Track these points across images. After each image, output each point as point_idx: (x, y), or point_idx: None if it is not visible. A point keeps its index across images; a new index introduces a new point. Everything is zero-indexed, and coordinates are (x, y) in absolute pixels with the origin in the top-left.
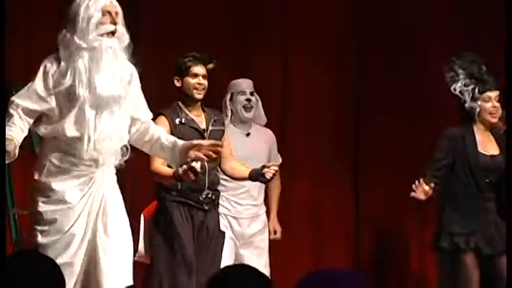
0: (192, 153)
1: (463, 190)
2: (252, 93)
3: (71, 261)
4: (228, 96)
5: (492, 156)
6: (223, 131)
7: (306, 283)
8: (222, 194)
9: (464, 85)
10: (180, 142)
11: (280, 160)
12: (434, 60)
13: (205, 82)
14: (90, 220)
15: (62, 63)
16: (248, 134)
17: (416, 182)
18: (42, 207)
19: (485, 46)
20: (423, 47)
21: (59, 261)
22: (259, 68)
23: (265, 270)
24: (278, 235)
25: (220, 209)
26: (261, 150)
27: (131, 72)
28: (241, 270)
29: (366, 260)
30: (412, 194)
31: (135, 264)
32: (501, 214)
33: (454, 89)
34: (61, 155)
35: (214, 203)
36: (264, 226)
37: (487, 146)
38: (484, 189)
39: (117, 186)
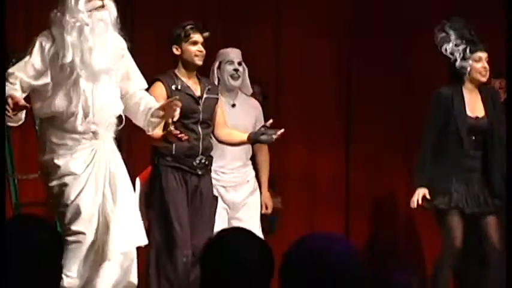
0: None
1: (449, 149)
2: (239, 63)
3: (82, 229)
4: (216, 65)
5: (477, 117)
6: (217, 99)
7: (298, 248)
8: None
9: (455, 45)
10: (153, 108)
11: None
12: (427, 23)
13: (204, 50)
14: (98, 189)
15: (56, 40)
16: (234, 105)
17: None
18: (51, 183)
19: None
20: (417, 10)
21: (73, 228)
22: (252, 35)
23: (259, 232)
24: (269, 210)
25: None
26: (247, 120)
27: (122, 46)
28: (237, 233)
29: (356, 224)
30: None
31: None
32: (488, 174)
33: (445, 49)
34: (58, 132)
35: (208, 168)
36: (253, 190)
37: (475, 107)
38: (469, 149)
39: (118, 154)
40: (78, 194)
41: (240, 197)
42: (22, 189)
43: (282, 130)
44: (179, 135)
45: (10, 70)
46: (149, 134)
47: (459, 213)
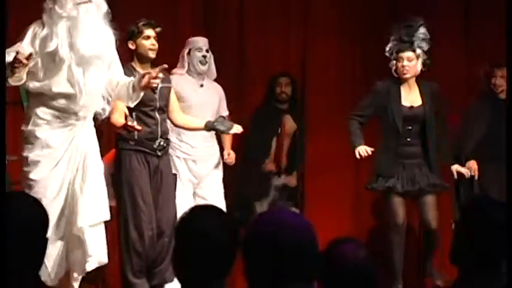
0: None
1: (390, 137)
2: (207, 50)
3: (52, 200)
4: (186, 51)
5: (411, 107)
6: (170, 88)
7: (256, 224)
8: (181, 140)
9: (391, 45)
10: (132, 81)
11: (227, 112)
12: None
13: (156, 43)
14: (70, 166)
15: (46, 29)
16: (202, 85)
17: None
18: (28, 152)
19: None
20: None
21: (44, 201)
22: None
23: (222, 202)
24: (232, 158)
25: (180, 154)
26: (213, 100)
27: (110, 37)
28: (207, 209)
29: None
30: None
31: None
32: (427, 158)
33: (386, 49)
34: (44, 108)
35: (166, 150)
36: (217, 163)
37: (412, 99)
38: (406, 136)
39: (95, 138)
40: (51, 169)
41: (207, 169)
42: (13, 168)
43: (240, 128)
44: (136, 127)
45: (6, 50)
46: (112, 121)
47: (400, 194)
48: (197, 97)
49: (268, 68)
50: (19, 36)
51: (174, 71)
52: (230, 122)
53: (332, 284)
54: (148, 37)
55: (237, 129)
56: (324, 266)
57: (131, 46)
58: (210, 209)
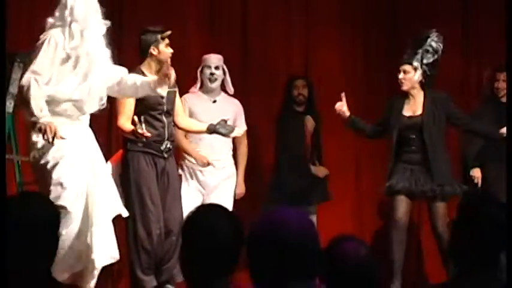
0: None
1: (394, 145)
2: (216, 68)
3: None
4: (200, 69)
5: (411, 116)
6: (176, 91)
7: (260, 222)
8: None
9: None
10: (143, 79)
11: (245, 128)
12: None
13: None
14: (83, 168)
15: (64, 37)
16: (215, 101)
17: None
18: (42, 160)
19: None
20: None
21: (66, 201)
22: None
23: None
24: (239, 196)
25: (189, 164)
26: (226, 115)
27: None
28: (213, 208)
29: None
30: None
31: None
32: (427, 163)
33: None
34: (53, 115)
35: (171, 152)
36: (227, 177)
37: (414, 108)
38: (408, 144)
39: (94, 138)
40: (66, 172)
41: (215, 181)
42: (25, 169)
43: (240, 131)
44: (146, 134)
45: (34, 68)
46: (120, 126)
47: (403, 193)
48: (208, 113)
49: (271, 69)
50: (36, 37)
51: (190, 89)
52: (232, 125)
53: (334, 281)
54: (168, 45)
55: (238, 132)
56: (326, 263)
57: (153, 52)
58: (216, 208)
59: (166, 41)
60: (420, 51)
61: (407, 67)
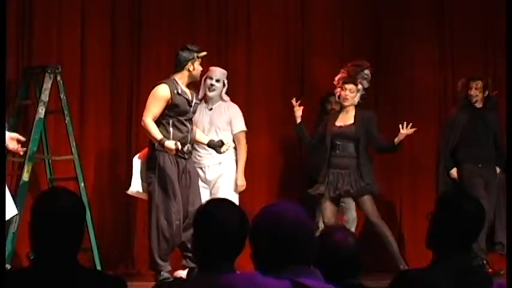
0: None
1: (323, 151)
2: (217, 80)
3: None
4: (204, 78)
5: (341, 126)
6: (198, 104)
7: (261, 214)
8: (195, 148)
9: (338, 78)
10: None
11: (242, 128)
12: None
13: None
14: None
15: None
16: (211, 109)
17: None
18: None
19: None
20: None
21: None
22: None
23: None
24: (239, 189)
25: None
26: (221, 121)
27: None
28: (221, 202)
29: None
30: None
31: (136, 199)
32: (360, 168)
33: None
34: None
35: (191, 154)
36: (224, 173)
37: (342, 119)
38: (336, 150)
39: None
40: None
41: (213, 176)
42: (56, 167)
43: (229, 146)
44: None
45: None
46: (145, 123)
47: (329, 198)
48: (204, 120)
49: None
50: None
51: None
52: (226, 145)
53: (326, 265)
54: (201, 63)
55: (226, 148)
56: (319, 250)
57: (190, 68)
58: (224, 201)
59: (200, 59)
60: (359, 77)
61: (352, 86)
